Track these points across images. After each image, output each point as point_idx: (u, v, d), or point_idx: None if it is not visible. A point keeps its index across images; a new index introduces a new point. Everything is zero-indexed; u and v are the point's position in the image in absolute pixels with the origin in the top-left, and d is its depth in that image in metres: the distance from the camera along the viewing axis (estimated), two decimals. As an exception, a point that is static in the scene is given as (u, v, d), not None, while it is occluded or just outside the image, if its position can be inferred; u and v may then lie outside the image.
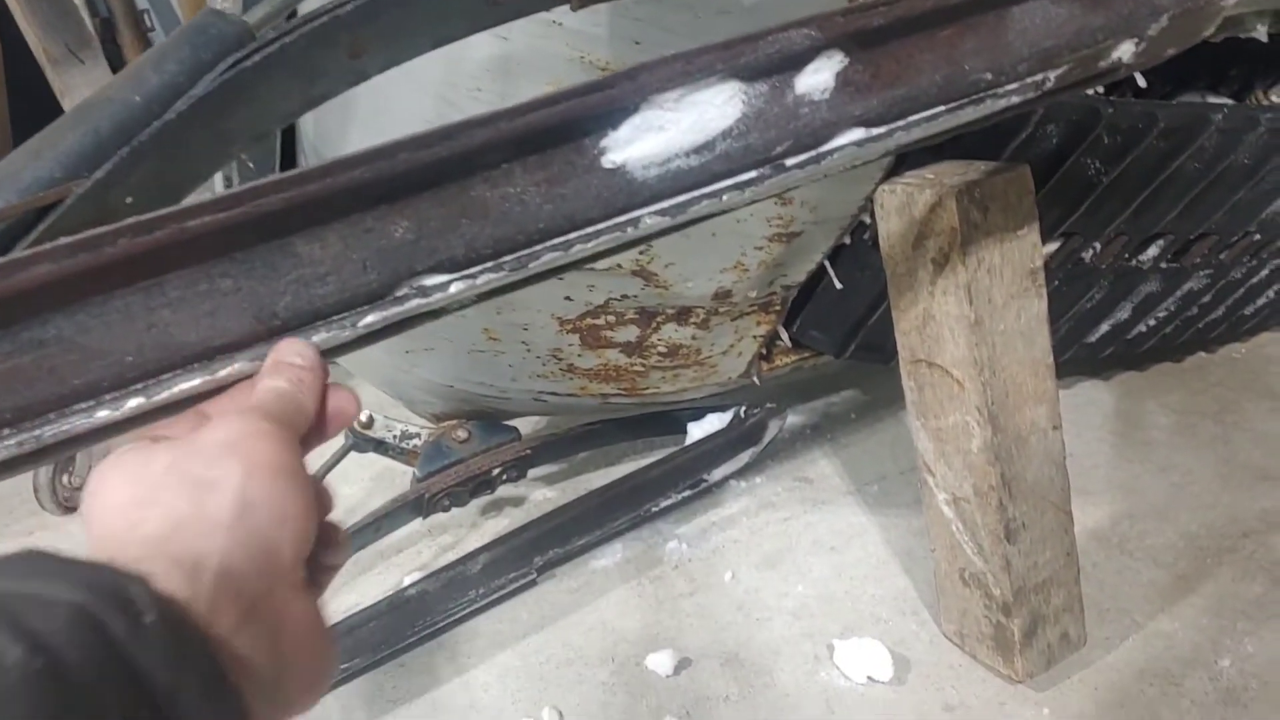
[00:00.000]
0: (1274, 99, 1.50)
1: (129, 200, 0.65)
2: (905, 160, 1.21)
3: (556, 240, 0.66)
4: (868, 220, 1.29)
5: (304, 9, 0.79)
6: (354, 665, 1.37)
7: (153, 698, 0.39)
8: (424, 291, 0.64)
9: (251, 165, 1.32)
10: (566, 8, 0.83)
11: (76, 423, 0.58)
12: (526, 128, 0.63)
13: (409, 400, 1.61)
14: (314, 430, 0.57)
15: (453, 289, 0.64)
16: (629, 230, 0.68)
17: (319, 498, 0.53)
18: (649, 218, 0.69)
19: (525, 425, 1.75)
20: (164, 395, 0.59)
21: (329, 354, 0.63)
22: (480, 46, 0.93)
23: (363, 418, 1.52)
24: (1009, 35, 0.78)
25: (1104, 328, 1.64)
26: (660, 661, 1.37)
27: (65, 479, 1.84)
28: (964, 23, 0.75)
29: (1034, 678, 1.28)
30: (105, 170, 0.62)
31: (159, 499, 0.47)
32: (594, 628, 1.46)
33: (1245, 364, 1.92)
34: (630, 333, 1.37)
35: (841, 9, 0.71)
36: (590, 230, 0.67)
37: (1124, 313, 1.61)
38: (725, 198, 0.71)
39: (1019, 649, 1.26)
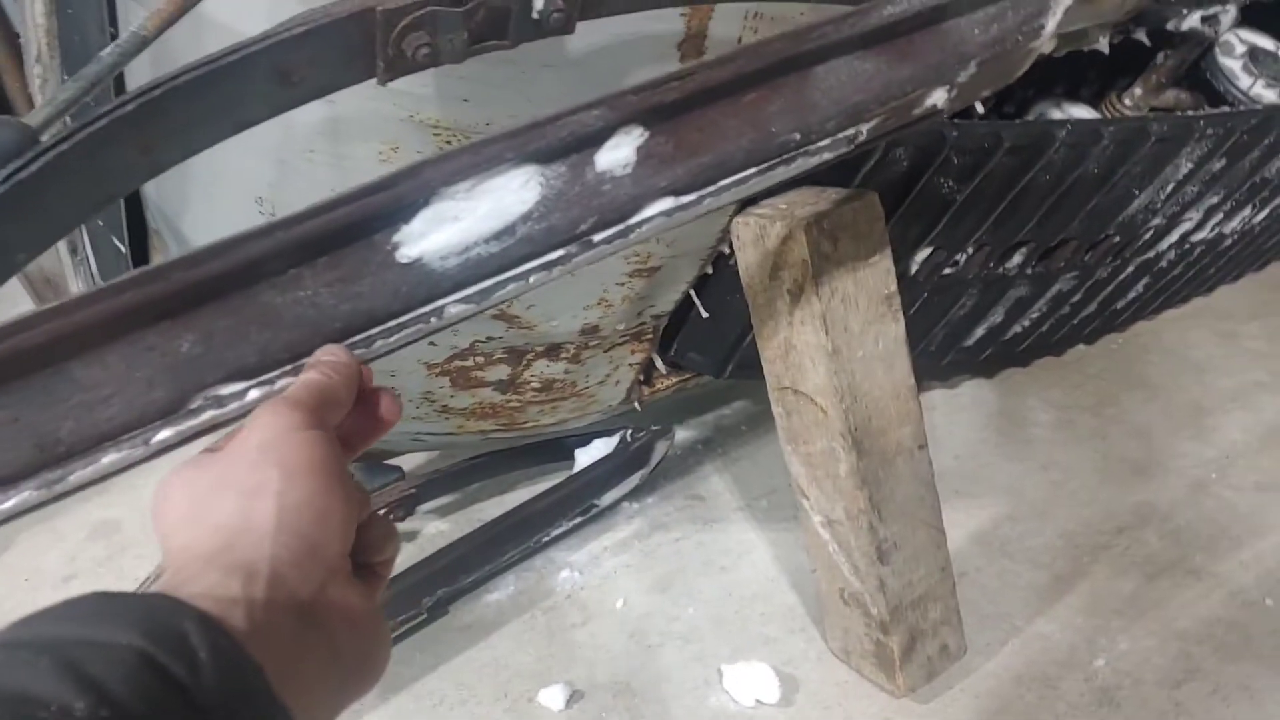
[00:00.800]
0: (1126, 103, 1.53)
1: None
2: (760, 190, 1.22)
3: (358, 337, 0.66)
4: (726, 250, 1.29)
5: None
6: None
7: None
8: (219, 401, 0.63)
9: (101, 223, 1.29)
10: (378, 80, 0.82)
11: None
12: (309, 233, 0.62)
13: (289, 446, 1.59)
14: (361, 431, 0.60)
15: (250, 396, 0.63)
16: (433, 320, 0.68)
17: (358, 491, 0.55)
18: (453, 306, 0.68)
19: (410, 461, 1.74)
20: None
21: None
22: (310, 110, 0.91)
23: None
24: (815, 94, 0.78)
25: (979, 331, 1.66)
26: (552, 696, 1.37)
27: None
28: (766, 86, 0.76)
29: (916, 691, 1.30)
30: None
31: (210, 513, 0.49)
32: (487, 665, 1.45)
33: (1122, 354, 1.97)
34: (501, 371, 1.36)
35: (632, 87, 0.70)
36: (392, 324, 0.67)
37: (997, 316, 1.64)
38: (532, 279, 0.71)
39: (899, 664, 1.28)
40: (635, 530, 1.67)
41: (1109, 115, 1.54)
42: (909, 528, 1.26)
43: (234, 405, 0.63)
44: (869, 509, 1.22)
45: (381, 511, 1.53)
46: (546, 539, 1.60)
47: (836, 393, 1.18)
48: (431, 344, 1.29)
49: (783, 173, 0.78)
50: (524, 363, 1.36)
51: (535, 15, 0.82)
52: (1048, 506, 1.60)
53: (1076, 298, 1.68)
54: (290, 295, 0.63)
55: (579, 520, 1.64)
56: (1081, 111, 1.52)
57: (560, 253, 0.71)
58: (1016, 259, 1.51)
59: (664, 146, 0.73)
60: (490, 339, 1.29)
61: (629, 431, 1.66)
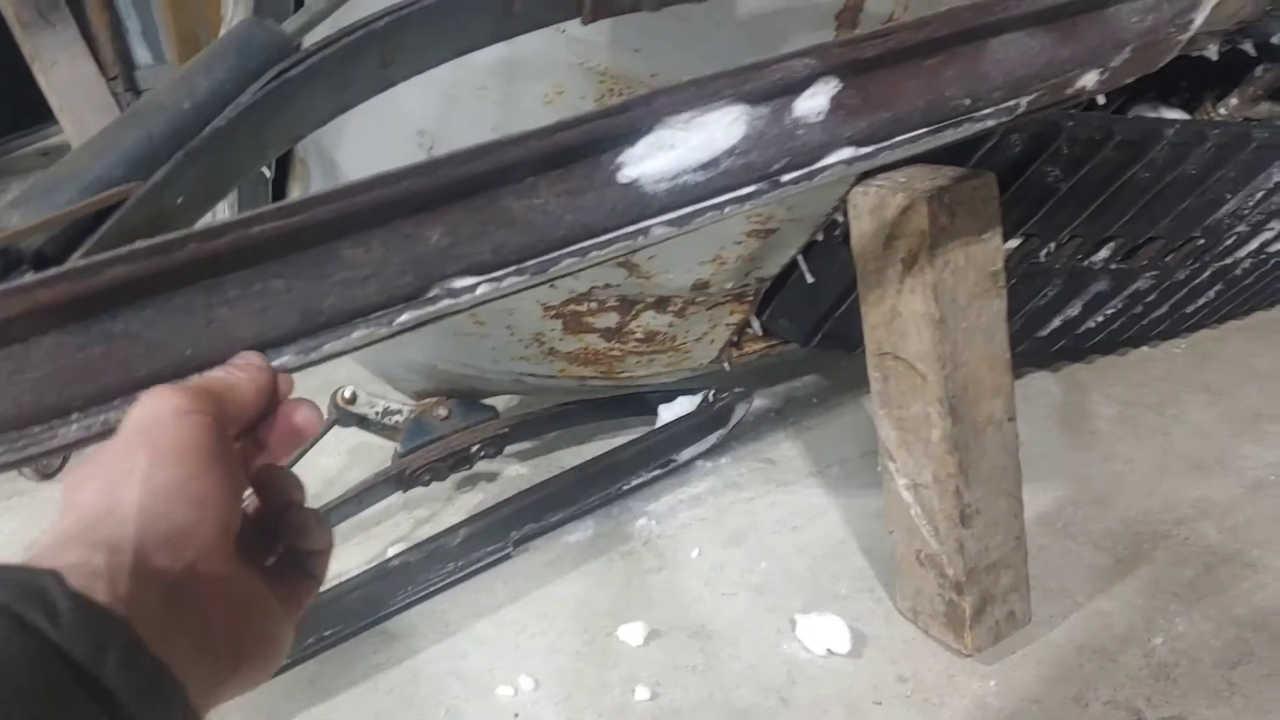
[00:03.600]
0: (1221, 111, 1.59)
1: (180, 201, 0.70)
2: (877, 163, 1.28)
3: (574, 247, 0.72)
4: (840, 219, 1.35)
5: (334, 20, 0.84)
6: (338, 631, 1.43)
7: (81, 675, 0.42)
8: (453, 293, 0.69)
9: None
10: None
11: (137, 409, 0.63)
12: (553, 146, 0.69)
13: (391, 378, 1.66)
14: (280, 438, 0.61)
15: (479, 290, 0.70)
16: (639, 239, 0.75)
17: (241, 478, 0.56)
18: (658, 228, 0.75)
19: (499, 404, 1.81)
20: (218, 385, 0.64)
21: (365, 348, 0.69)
22: (489, 48, 0.98)
23: (346, 393, 1.57)
24: (986, 65, 0.84)
25: (1055, 323, 1.72)
26: (631, 633, 1.44)
27: None
28: (947, 53, 0.82)
29: (982, 652, 1.37)
30: (163, 173, 0.67)
31: (80, 497, 0.51)
32: (567, 600, 1.52)
33: (1184, 358, 2.03)
34: (610, 319, 1.43)
35: (838, 40, 0.77)
36: (605, 238, 0.73)
37: (1075, 309, 1.70)
38: (726, 209, 0.77)
39: (969, 625, 1.35)
40: (709, 487, 1.74)
41: (1205, 122, 1.59)
42: (991, 495, 1.32)
43: (465, 297, 0.70)
44: (957, 473, 1.28)
45: (475, 449, 1.60)
46: (626, 487, 1.68)
47: (938, 360, 1.25)
48: (552, 286, 1.36)
49: (950, 135, 0.85)
50: (633, 312, 1.42)
51: (728, -28, 0.89)
52: (1109, 495, 1.66)
53: (1151, 298, 1.74)
54: (525, 202, 0.70)
55: (657, 473, 1.71)
56: (1177, 116, 1.58)
57: (753, 188, 0.77)
58: (1103, 253, 1.57)
59: (853, 99, 0.79)
60: (608, 285, 1.35)
61: (711, 392, 1.73)
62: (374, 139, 1.20)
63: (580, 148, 0.70)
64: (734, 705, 1.33)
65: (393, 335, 0.69)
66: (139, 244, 0.58)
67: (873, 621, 1.45)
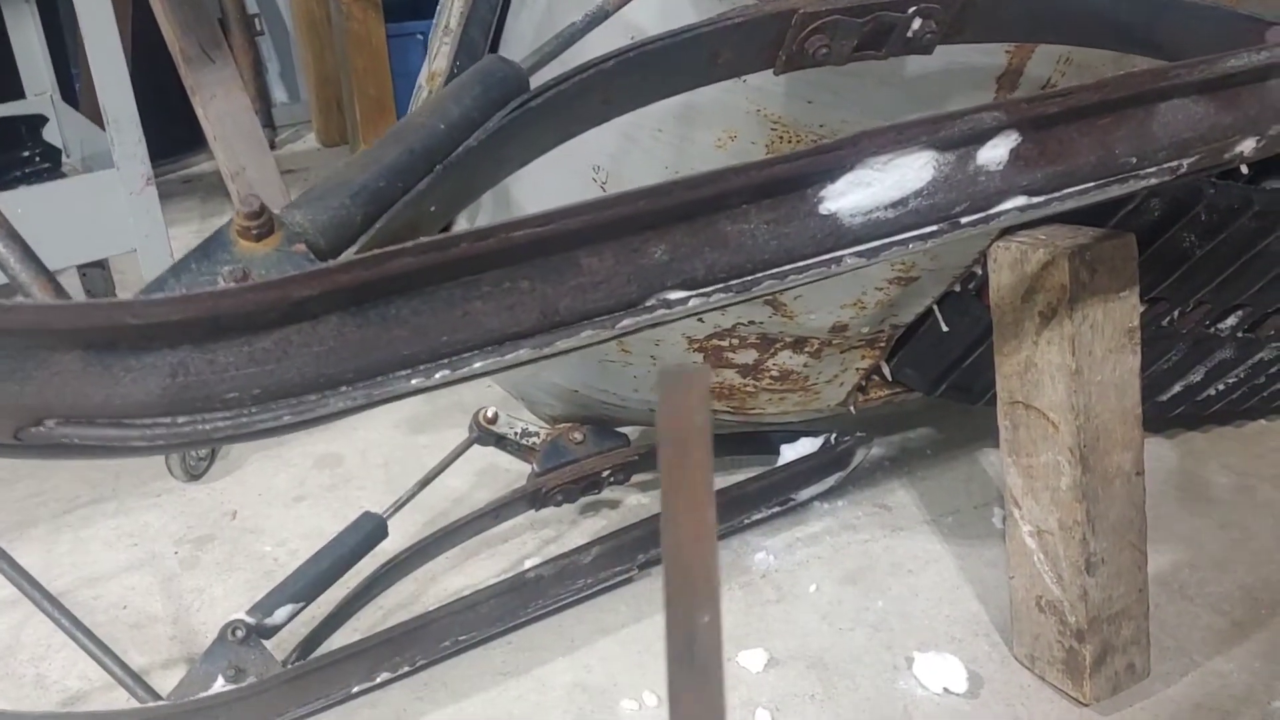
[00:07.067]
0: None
1: (433, 209, 0.79)
2: (1019, 220, 1.34)
3: (776, 270, 0.80)
4: (978, 271, 1.41)
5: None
6: (472, 637, 1.50)
7: None
8: (668, 304, 0.77)
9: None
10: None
11: (395, 387, 0.72)
12: (768, 177, 0.77)
13: (531, 401, 1.75)
14: None
15: (690, 303, 0.78)
16: (832, 267, 0.82)
17: None
18: (850, 258, 0.82)
19: (630, 433, 1.88)
20: (463, 371, 0.73)
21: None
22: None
23: (489, 413, 1.66)
24: (1154, 127, 0.91)
25: (1177, 388, 1.75)
26: (751, 659, 1.49)
27: (193, 450, 1.98)
28: (1119, 114, 0.89)
29: (1099, 702, 1.40)
30: (426, 183, 0.76)
31: None
32: (688, 624, 1.58)
33: (1303, 433, 2.04)
34: (749, 355, 1.51)
35: (1024, 96, 0.84)
36: (803, 264, 0.81)
37: (1197, 375, 1.73)
38: (910, 245, 0.84)
39: (1089, 674, 1.38)
40: (826, 527, 1.79)
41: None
42: (1116, 546, 1.36)
43: (678, 308, 0.78)
44: (1084, 521, 1.33)
45: (606, 474, 1.68)
46: (747, 521, 1.74)
47: (1072, 410, 1.30)
48: (700, 320, 1.44)
49: (1115, 190, 0.91)
50: (771, 350, 1.49)
51: (910, 34, 0.97)
52: (1226, 560, 1.68)
53: (1275, 369, 1.77)
54: (738, 226, 0.78)
55: (776, 510, 1.77)
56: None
57: (935, 227, 0.84)
58: (1231, 320, 1.61)
59: (1030, 151, 0.86)
60: (752, 322, 1.43)
61: (833, 434, 1.79)
62: (550, 171, 1.29)
63: (790, 180, 0.78)
64: (852, 734, 1.38)
65: (613, 338, 0.77)
66: (421, 240, 0.67)
67: (988, 665, 1.49)
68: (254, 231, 0.71)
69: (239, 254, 0.70)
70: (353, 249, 0.75)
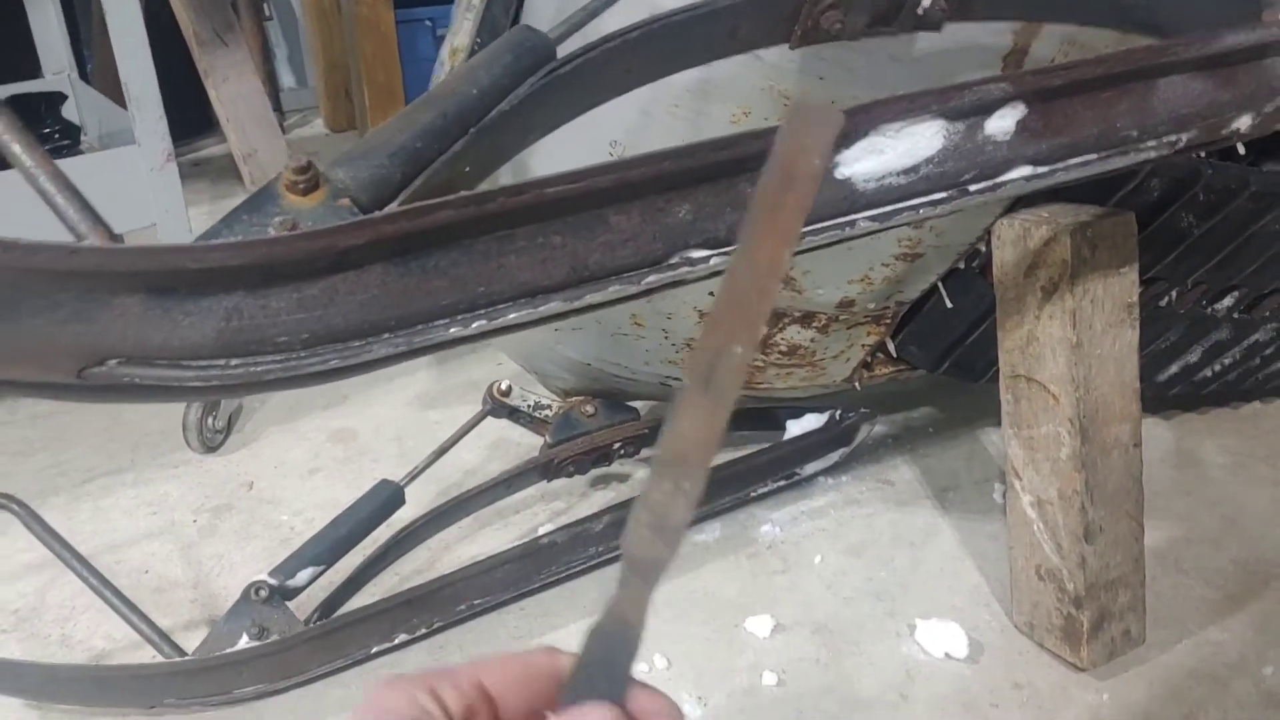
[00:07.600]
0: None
1: (467, 169, 0.83)
2: (1021, 199, 1.38)
3: (792, 231, 0.84)
4: (981, 248, 1.45)
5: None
6: (486, 601, 1.54)
7: None
8: (691, 262, 0.81)
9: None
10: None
11: (435, 335, 0.76)
12: (787, 141, 0.81)
13: (543, 374, 1.79)
14: None
15: (712, 261, 0.82)
16: (845, 230, 0.86)
17: None
18: (863, 221, 0.86)
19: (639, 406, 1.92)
20: (499, 321, 0.77)
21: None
22: (687, 70, 1.10)
23: (503, 385, 1.70)
24: (1154, 101, 0.95)
25: (1174, 368, 1.80)
26: (758, 625, 1.54)
27: (210, 420, 2.03)
28: (1121, 88, 0.93)
29: (1096, 667, 1.44)
30: (461, 144, 0.81)
31: None
32: (696, 591, 1.63)
33: (1298, 415, 2.08)
34: (758, 330, 1.54)
35: (1030, 70, 0.88)
36: (819, 225, 0.85)
37: (1194, 355, 1.77)
38: (921, 211, 0.88)
39: (1086, 640, 1.42)
40: (830, 501, 1.83)
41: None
42: (1114, 515, 1.40)
43: (701, 266, 0.82)
44: (1083, 491, 1.37)
45: (617, 446, 1.72)
46: (753, 494, 1.78)
47: (1072, 382, 1.34)
48: (711, 293, 1.47)
49: (1117, 162, 0.95)
50: (780, 325, 1.53)
51: (920, 10, 1.00)
52: (1221, 536, 1.72)
53: (1269, 350, 1.81)
54: (758, 188, 0.82)
55: (781, 484, 1.81)
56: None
57: (945, 194, 0.88)
58: (1227, 301, 1.65)
59: (1036, 123, 0.90)
60: (762, 297, 1.47)
61: (838, 411, 1.83)
62: (568, 143, 1.33)
63: (807, 145, 0.82)
64: (856, 697, 1.42)
65: (639, 294, 0.81)
66: (461, 194, 0.71)
67: (989, 633, 1.53)
68: (301, 185, 0.75)
69: (287, 206, 0.74)
70: (393, 205, 0.79)
